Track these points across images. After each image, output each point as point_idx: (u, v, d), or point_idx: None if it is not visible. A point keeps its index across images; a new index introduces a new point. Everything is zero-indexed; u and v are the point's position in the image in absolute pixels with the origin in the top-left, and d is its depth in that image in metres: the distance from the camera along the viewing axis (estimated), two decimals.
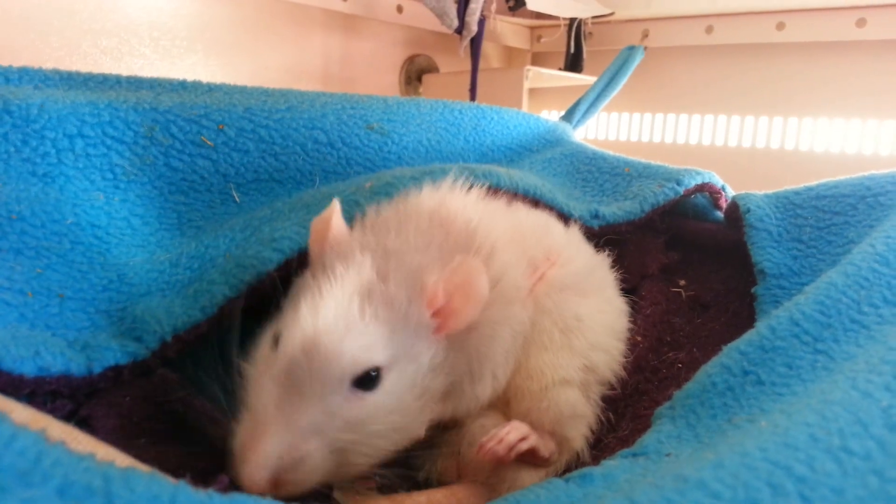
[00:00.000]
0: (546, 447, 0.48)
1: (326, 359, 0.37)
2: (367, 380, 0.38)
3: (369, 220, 0.47)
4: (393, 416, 0.39)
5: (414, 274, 0.41)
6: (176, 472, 0.31)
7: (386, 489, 0.48)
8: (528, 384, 0.48)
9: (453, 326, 0.42)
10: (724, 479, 0.26)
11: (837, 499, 0.24)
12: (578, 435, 0.50)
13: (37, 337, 0.42)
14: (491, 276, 0.43)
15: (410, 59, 1.48)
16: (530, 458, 0.47)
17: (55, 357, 0.41)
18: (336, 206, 0.44)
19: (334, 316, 0.38)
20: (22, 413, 0.31)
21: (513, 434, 0.46)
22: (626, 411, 0.54)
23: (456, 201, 0.50)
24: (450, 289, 0.41)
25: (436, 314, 0.41)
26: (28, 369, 0.39)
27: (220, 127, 0.62)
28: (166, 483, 0.26)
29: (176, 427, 0.47)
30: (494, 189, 0.60)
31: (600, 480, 0.36)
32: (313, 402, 0.37)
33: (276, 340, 0.39)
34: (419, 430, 0.42)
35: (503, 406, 0.50)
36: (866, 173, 0.61)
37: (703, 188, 0.72)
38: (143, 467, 0.30)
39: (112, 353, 0.43)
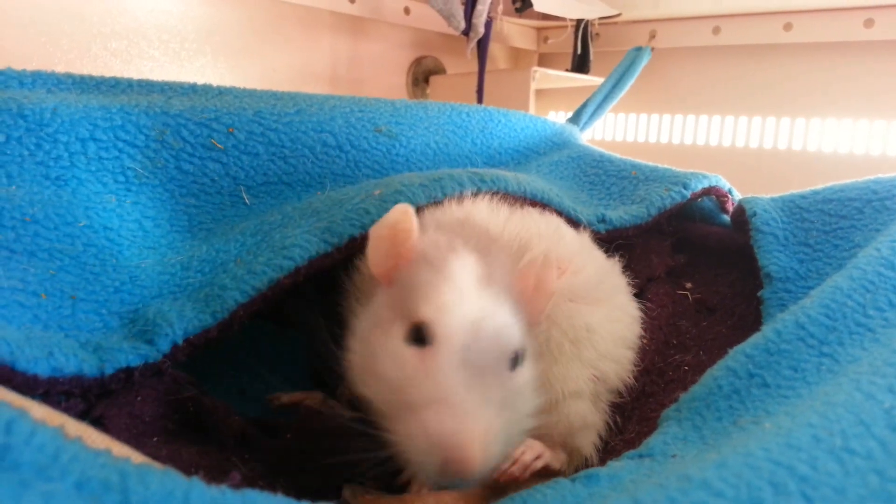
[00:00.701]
0: (557, 460, 0.49)
1: (496, 339, 0.38)
2: (515, 360, 0.39)
3: (432, 225, 0.48)
4: (532, 395, 0.41)
5: (505, 266, 0.42)
6: (188, 470, 0.32)
7: (395, 489, 0.48)
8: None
9: (533, 320, 0.43)
10: (728, 478, 0.26)
11: (839, 498, 0.25)
12: (588, 443, 0.51)
13: (50, 338, 0.43)
14: None
15: (417, 61, 1.49)
16: (542, 471, 0.48)
17: (68, 358, 0.41)
18: (410, 210, 0.42)
19: (486, 300, 0.39)
20: (39, 411, 0.32)
21: (528, 454, 0.46)
22: (633, 414, 0.55)
23: (482, 213, 0.52)
24: (534, 280, 0.42)
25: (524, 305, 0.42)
26: (42, 370, 0.40)
27: (231, 130, 0.63)
28: (180, 479, 0.27)
29: (187, 426, 0.47)
30: (503, 194, 0.60)
31: (606, 481, 0.36)
32: (493, 381, 0.37)
33: (417, 334, 0.38)
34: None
35: None
36: (872, 177, 0.61)
37: (710, 192, 0.72)
38: (156, 465, 0.30)
39: (124, 354, 0.43)
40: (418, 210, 0.54)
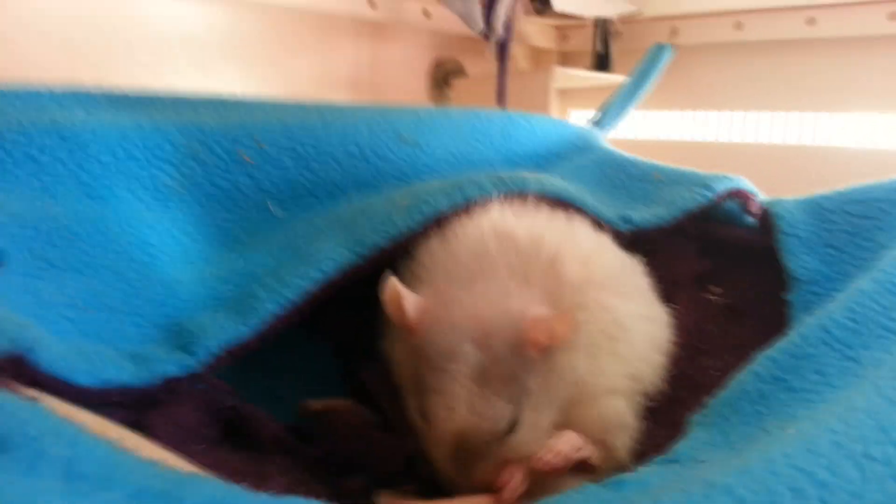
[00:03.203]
0: (595, 454, 0.49)
1: (476, 441, 0.44)
2: (507, 431, 0.45)
3: (434, 275, 0.51)
4: (531, 440, 0.46)
5: (513, 323, 0.46)
6: (232, 477, 0.34)
7: (426, 493, 0.50)
8: (575, 391, 0.50)
9: (550, 350, 0.46)
10: (749, 484, 0.27)
11: (856, 503, 0.26)
12: (623, 445, 0.51)
13: (98, 351, 0.45)
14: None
15: (438, 64, 1.50)
16: (581, 465, 0.49)
17: (115, 370, 0.43)
18: (399, 291, 0.47)
19: (468, 410, 0.44)
20: (96, 424, 0.34)
21: (568, 445, 0.47)
22: (662, 419, 0.55)
23: (515, 221, 0.55)
24: (551, 331, 0.45)
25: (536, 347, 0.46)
26: (93, 382, 0.42)
27: (261, 146, 0.65)
28: (224, 488, 0.29)
29: (227, 433, 0.49)
30: (522, 193, 0.61)
31: (633, 486, 0.37)
32: (477, 462, 0.45)
33: (424, 416, 0.47)
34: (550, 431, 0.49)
35: None
36: None
37: (734, 194, 0.72)
38: (203, 473, 0.32)
39: (167, 365, 0.45)
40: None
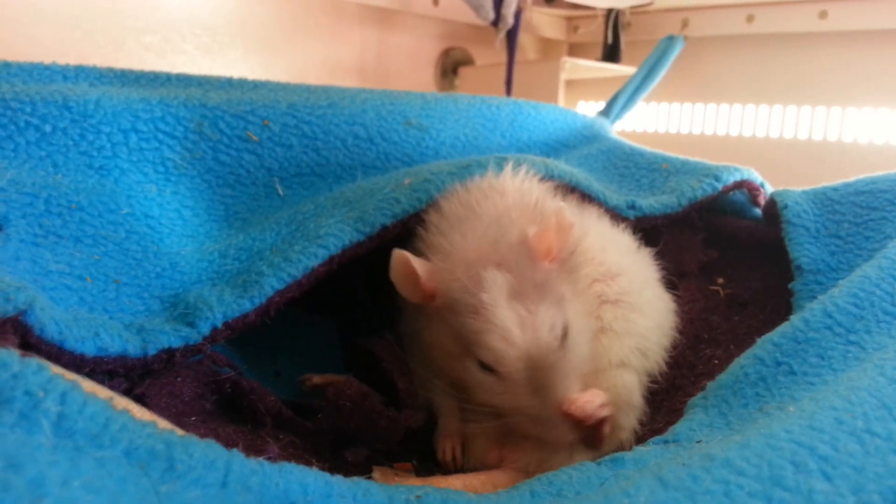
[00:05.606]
0: (609, 424, 0.49)
1: (543, 357, 0.44)
2: (564, 337, 0.46)
3: (431, 242, 0.51)
4: (584, 345, 0.48)
5: (519, 242, 0.47)
6: (226, 447, 0.33)
7: (423, 472, 0.49)
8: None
9: (560, 255, 0.48)
10: (749, 457, 0.27)
11: (858, 476, 0.25)
12: (628, 426, 0.51)
13: (95, 319, 0.45)
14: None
15: (446, 52, 1.49)
16: (589, 435, 0.48)
17: (113, 338, 0.43)
18: (407, 258, 0.47)
19: (528, 327, 0.44)
20: (87, 385, 0.34)
21: (598, 398, 0.47)
22: (662, 405, 0.55)
23: (502, 178, 0.56)
24: (553, 240, 0.47)
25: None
26: (88, 349, 0.42)
27: (266, 123, 0.65)
28: (222, 450, 0.28)
29: (223, 407, 0.49)
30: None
31: (631, 464, 0.37)
32: (553, 377, 0.44)
33: (483, 365, 0.45)
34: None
35: None
36: None
37: (742, 185, 0.71)
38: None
39: (166, 336, 0.45)
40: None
